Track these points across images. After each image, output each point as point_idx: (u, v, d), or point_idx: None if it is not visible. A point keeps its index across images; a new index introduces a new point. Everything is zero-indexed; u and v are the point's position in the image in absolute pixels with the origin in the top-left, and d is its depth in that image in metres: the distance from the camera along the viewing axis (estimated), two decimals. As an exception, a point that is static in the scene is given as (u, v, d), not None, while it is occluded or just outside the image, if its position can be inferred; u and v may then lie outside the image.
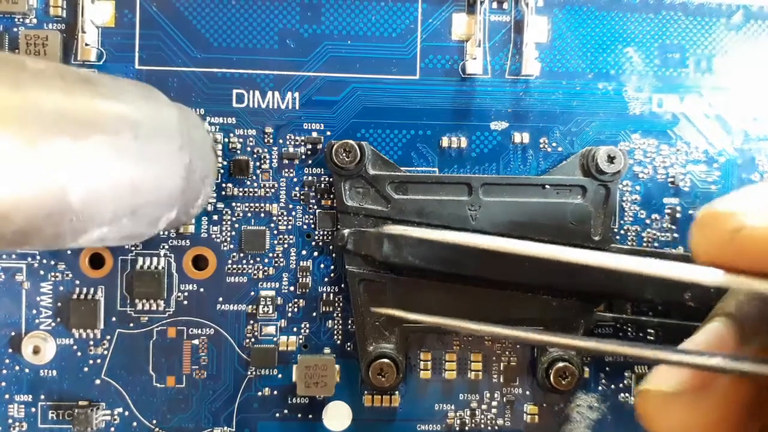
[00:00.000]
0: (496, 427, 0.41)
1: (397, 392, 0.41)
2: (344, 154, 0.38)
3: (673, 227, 0.41)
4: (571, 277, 0.38)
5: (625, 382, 0.41)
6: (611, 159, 0.38)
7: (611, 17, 0.41)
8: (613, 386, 0.41)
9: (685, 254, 0.40)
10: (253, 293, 0.40)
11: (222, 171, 0.40)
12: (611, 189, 0.39)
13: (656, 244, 0.41)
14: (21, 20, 0.40)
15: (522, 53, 0.40)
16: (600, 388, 0.41)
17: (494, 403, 0.41)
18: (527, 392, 0.41)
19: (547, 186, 0.39)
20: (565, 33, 0.41)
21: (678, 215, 0.41)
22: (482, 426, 0.41)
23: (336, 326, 0.41)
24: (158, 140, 0.32)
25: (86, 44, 0.39)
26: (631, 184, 0.41)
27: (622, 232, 0.41)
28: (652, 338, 0.41)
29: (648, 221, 0.41)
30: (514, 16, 0.41)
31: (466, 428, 0.41)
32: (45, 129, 0.25)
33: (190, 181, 0.34)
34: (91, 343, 0.40)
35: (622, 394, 0.41)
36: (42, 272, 0.40)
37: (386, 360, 0.39)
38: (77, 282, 0.40)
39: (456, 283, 0.39)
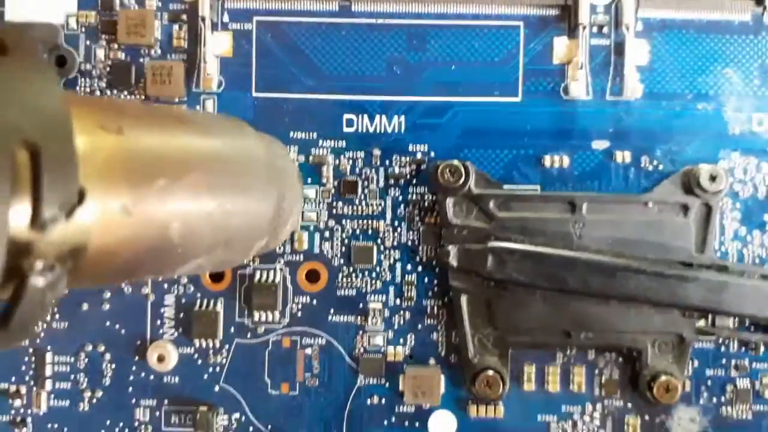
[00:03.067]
0: (597, 439, 0.42)
1: (500, 403, 0.42)
2: (449, 174, 0.40)
3: (774, 243, 0.42)
4: (672, 291, 0.39)
5: (727, 395, 0.42)
6: (713, 178, 0.39)
7: (710, 39, 0.42)
8: (714, 400, 0.42)
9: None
10: (362, 305, 0.42)
11: (333, 191, 0.42)
12: (713, 207, 0.40)
13: (757, 261, 0.42)
14: (146, 52, 0.43)
15: (623, 75, 0.41)
16: (701, 401, 0.42)
17: (596, 415, 0.42)
18: (629, 404, 0.42)
19: (650, 204, 0.40)
20: (665, 55, 0.42)
21: (778, 232, 0.42)
22: (583, 437, 0.42)
23: (440, 338, 0.42)
24: (248, 173, 0.33)
25: (207, 74, 0.42)
26: (731, 201, 0.42)
27: (723, 249, 0.42)
28: (753, 353, 0.42)
29: (749, 238, 0.42)
30: (614, 39, 0.42)
31: (568, 439, 0.42)
32: (146, 172, 0.26)
33: (278, 210, 0.36)
34: (211, 351, 0.42)
35: (723, 408, 0.42)
36: (165, 285, 0.43)
37: (491, 372, 0.40)
38: (198, 294, 0.43)
39: (559, 297, 0.40)
